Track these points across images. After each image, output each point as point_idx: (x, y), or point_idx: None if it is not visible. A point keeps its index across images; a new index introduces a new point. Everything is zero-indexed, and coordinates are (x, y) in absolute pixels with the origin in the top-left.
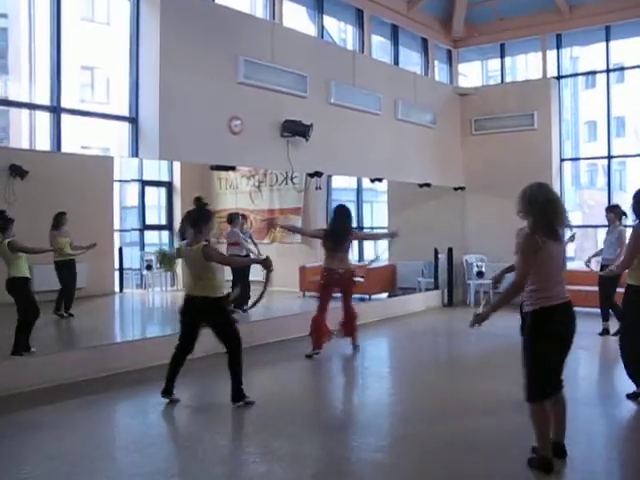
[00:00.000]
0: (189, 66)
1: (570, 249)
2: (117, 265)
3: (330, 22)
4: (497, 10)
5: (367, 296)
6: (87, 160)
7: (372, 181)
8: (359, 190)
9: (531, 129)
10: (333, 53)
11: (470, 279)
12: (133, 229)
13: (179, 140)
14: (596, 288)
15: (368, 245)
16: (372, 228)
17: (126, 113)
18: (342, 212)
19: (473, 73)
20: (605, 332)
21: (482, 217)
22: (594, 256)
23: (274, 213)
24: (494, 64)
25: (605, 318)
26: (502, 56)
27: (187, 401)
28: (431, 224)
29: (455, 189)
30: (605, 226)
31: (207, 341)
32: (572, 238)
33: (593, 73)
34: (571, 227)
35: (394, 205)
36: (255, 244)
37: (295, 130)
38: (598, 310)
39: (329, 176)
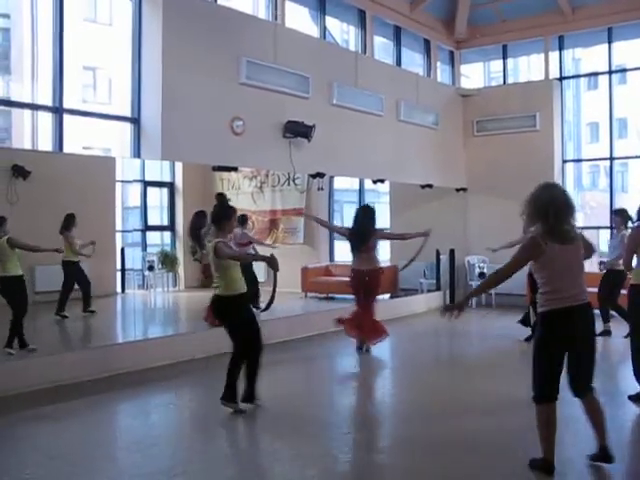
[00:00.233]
0: (191, 67)
1: None
2: (119, 266)
3: (332, 23)
4: (500, 11)
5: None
6: (89, 160)
7: (374, 182)
8: (361, 191)
9: (533, 130)
10: (335, 54)
11: (472, 280)
12: (135, 230)
13: (181, 141)
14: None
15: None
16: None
17: (128, 114)
18: (363, 212)
19: (475, 74)
20: (605, 333)
21: (484, 218)
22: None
23: (276, 214)
24: (496, 65)
25: (605, 319)
26: (504, 57)
27: (188, 402)
28: (433, 225)
29: (457, 190)
30: (606, 227)
31: (208, 341)
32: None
33: (595, 74)
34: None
35: (396, 206)
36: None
37: (297, 131)
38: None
39: (331, 177)
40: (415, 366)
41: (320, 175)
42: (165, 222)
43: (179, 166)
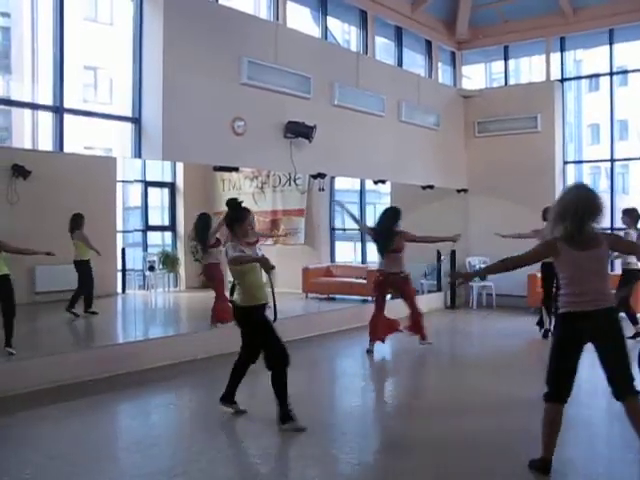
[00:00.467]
0: (192, 67)
1: None
2: (120, 266)
3: (334, 23)
4: (501, 12)
5: (370, 298)
6: (90, 160)
7: (375, 183)
8: (362, 192)
9: (534, 132)
10: (337, 54)
11: (473, 281)
12: (136, 230)
13: (182, 141)
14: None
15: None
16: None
17: (129, 113)
18: (385, 214)
19: (477, 75)
20: (638, 335)
21: (485, 219)
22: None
23: (277, 214)
24: (498, 66)
25: (634, 322)
26: (506, 58)
27: (189, 402)
28: (434, 226)
29: (458, 191)
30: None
31: (209, 342)
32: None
33: (597, 76)
34: None
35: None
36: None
37: (298, 131)
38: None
39: (332, 177)
40: (415, 366)
41: (321, 176)
42: (166, 222)
43: (180, 166)
